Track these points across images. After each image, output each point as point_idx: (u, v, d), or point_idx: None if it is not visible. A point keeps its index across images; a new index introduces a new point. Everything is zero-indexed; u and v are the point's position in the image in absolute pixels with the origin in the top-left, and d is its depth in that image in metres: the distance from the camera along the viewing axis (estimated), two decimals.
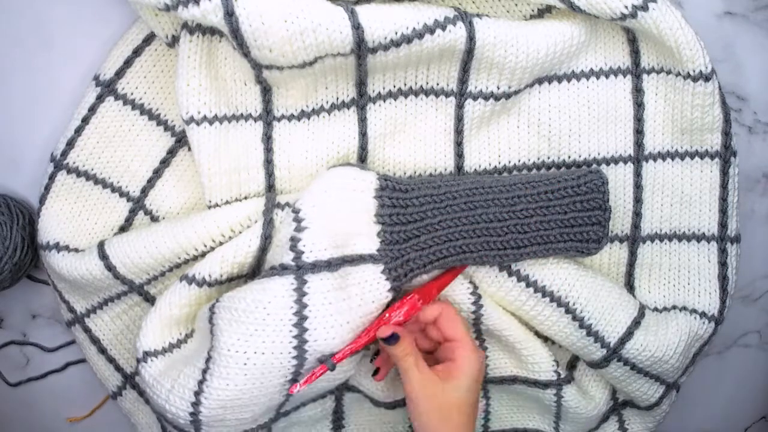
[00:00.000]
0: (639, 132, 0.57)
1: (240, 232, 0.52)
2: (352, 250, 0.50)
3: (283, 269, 0.49)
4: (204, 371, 0.49)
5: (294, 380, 0.49)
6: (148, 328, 0.52)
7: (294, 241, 0.49)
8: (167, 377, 0.50)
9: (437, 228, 0.52)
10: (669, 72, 0.55)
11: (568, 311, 0.56)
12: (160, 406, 0.51)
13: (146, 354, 0.52)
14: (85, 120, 0.54)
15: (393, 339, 0.50)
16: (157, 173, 0.56)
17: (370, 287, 0.50)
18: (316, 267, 0.49)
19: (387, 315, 0.51)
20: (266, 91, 0.52)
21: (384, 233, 0.51)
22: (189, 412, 0.49)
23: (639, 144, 0.57)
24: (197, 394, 0.49)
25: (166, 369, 0.51)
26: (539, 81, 0.55)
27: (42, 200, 0.55)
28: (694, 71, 0.52)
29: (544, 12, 0.53)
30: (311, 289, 0.48)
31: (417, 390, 0.50)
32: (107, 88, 0.53)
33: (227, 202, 0.53)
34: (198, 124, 0.50)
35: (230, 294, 0.50)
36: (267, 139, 0.54)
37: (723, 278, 0.58)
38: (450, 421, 0.50)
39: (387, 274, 0.50)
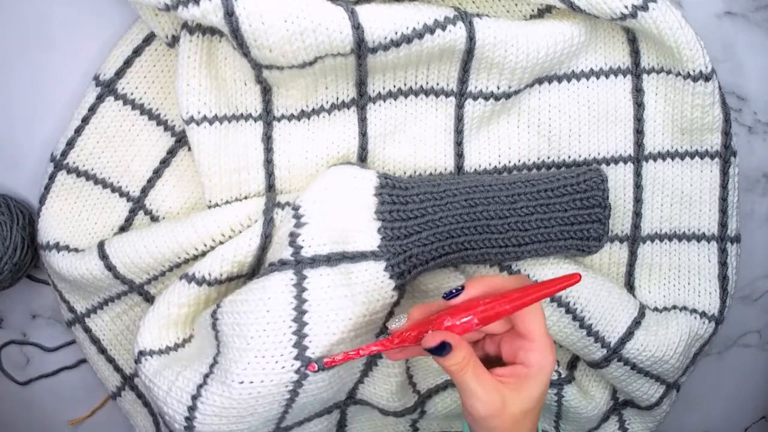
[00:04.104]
0: (639, 132, 0.57)
1: (240, 232, 0.52)
2: (352, 247, 0.50)
3: (282, 264, 0.49)
4: (206, 375, 0.48)
5: (295, 391, 0.48)
6: (145, 327, 0.52)
7: (293, 236, 0.49)
8: (163, 378, 0.50)
9: (438, 224, 0.52)
10: (669, 72, 0.55)
11: (568, 311, 0.56)
12: (159, 407, 0.51)
13: (141, 354, 0.51)
14: (85, 120, 0.54)
15: (444, 349, 0.41)
16: (157, 173, 0.56)
17: (374, 285, 0.50)
18: (315, 262, 0.48)
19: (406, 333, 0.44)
20: (266, 91, 0.52)
21: (384, 229, 0.51)
22: (185, 416, 0.48)
23: (639, 144, 0.57)
24: (195, 398, 0.48)
25: (161, 368, 0.51)
26: (539, 81, 0.55)
27: (42, 200, 0.55)
28: (694, 71, 0.53)
29: (544, 12, 0.53)
30: (311, 285, 0.48)
31: (482, 410, 0.41)
32: (107, 88, 0.53)
33: (227, 202, 0.53)
34: (198, 124, 0.50)
35: (231, 298, 0.50)
36: (267, 139, 0.54)
37: (723, 278, 0.58)
38: (522, 428, 0.43)
39: (390, 271, 0.50)
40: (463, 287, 0.43)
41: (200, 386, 0.48)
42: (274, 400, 0.48)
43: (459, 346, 0.41)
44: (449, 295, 0.43)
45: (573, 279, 0.42)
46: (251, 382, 0.47)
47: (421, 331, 0.43)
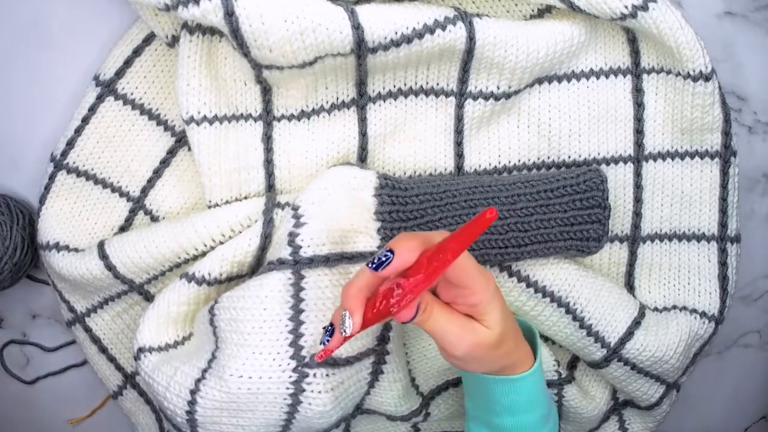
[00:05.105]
0: (639, 132, 0.57)
1: (240, 232, 0.52)
2: (351, 247, 0.50)
3: (280, 263, 0.49)
4: (204, 370, 0.49)
5: (296, 393, 0.48)
6: (145, 325, 0.52)
7: (292, 236, 0.49)
8: (162, 374, 0.50)
9: (438, 225, 0.52)
10: (669, 72, 0.55)
11: (568, 311, 0.56)
12: (159, 402, 0.51)
13: (140, 350, 0.52)
14: (85, 120, 0.54)
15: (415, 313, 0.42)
16: (157, 173, 0.56)
17: None
18: (314, 262, 0.49)
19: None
20: (266, 91, 0.52)
21: (384, 230, 0.51)
22: (185, 410, 0.49)
23: (639, 144, 0.57)
24: (194, 392, 0.48)
25: (160, 364, 0.51)
26: (539, 81, 0.55)
27: (42, 200, 0.55)
28: (694, 71, 0.53)
29: (544, 12, 0.53)
30: (308, 285, 0.48)
31: (458, 344, 0.43)
32: (107, 88, 0.53)
33: (227, 202, 0.53)
34: (198, 124, 0.50)
35: (229, 294, 0.50)
36: (267, 139, 0.54)
37: (723, 278, 0.58)
38: (505, 345, 0.45)
39: None
40: (391, 252, 0.40)
41: (198, 381, 0.49)
42: (275, 402, 0.48)
43: (421, 300, 0.42)
44: (378, 266, 0.40)
45: (491, 214, 0.39)
46: (250, 378, 0.47)
47: (374, 315, 0.41)
